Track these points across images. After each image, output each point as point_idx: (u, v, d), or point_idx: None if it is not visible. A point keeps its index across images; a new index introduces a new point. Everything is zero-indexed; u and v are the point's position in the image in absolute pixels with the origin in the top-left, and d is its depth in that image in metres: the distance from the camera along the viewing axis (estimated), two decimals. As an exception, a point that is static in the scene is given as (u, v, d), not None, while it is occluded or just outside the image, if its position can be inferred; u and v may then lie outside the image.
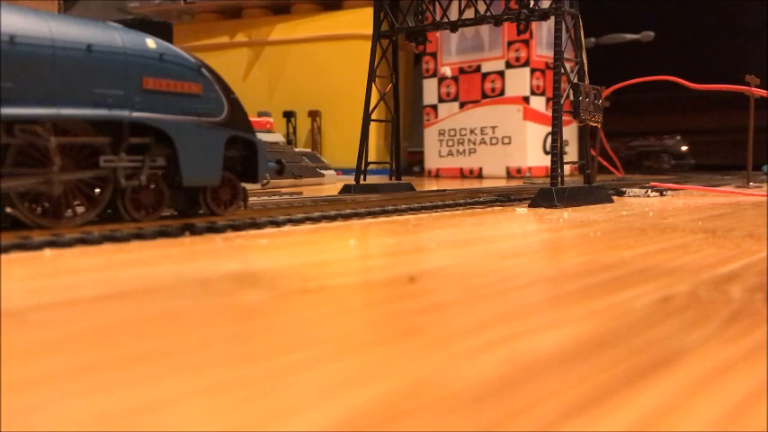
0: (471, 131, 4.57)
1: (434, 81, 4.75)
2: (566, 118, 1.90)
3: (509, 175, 4.39)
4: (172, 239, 1.03)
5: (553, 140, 1.85)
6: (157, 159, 1.14)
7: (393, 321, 0.54)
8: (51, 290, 0.66)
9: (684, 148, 4.72)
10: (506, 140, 4.40)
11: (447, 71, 4.68)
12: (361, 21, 4.79)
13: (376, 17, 2.36)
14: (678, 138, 4.87)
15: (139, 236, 1.01)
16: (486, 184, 3.33)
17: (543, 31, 4.37)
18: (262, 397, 0.36)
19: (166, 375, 0.40)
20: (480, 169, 4.53)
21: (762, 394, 0.37)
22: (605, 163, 3.92)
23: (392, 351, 0.45)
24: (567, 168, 1.96)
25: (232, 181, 1.27)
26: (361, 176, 2.30)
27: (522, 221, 1.38)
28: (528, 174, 4.32)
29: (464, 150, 4.60)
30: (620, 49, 5.32)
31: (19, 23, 0.97)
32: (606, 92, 2.46)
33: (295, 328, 0.52)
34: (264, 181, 1.32)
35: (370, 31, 2.38)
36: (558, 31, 1.88)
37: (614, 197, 2.05)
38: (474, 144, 4.56)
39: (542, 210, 1.64)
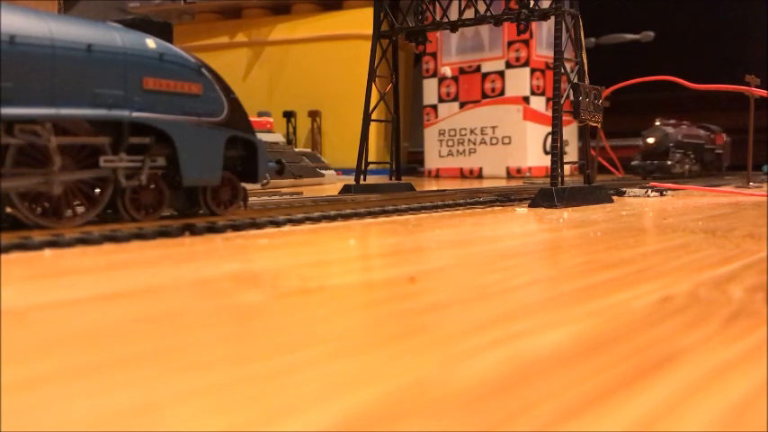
0: (471, 131, 4.57)
1: (434, 81, 4.75)
2: (566, 118, 1.90)
3: (509, 175, 4.39)
4: (172, 239, 1.03)
5: (553, 140, 1.85)
6: (157, 159, 1.14)
7: (393, 321, 0.54)
8: (51, 290, 0.66)
9: (699, 140, 3.59)
10: (506, 140, 4.41)
11: (447, 71, 4.68)
12: (361, 21, 4.79)
13: (376, 17, 2.36)
14: (705, 129, 3.79)
15: (139, 236, 1.01)
16: (486, 184, 3.33)
17: (543, 31, 4.37)
18: (262, 397, 0.36)
19: (166, 375, 0.40)
20: (480, 169, 4.53)
21: (762, 394, 0.37)
22: (605, 163, 3.92)
23: (392, 351, 0.45)
24: (566, 168, 1.96)
25: (232, 181, 1.27)
26: (361, 176, 2.30)
27: (522, 221, 1.38)
28: (528, 174, 4.33)
29: (464, 150, 4.60)
30: (620, 49, 5.33)
31: (19, 23, 0.97)
32: (606, 92, 2.46)
33: (295, 328, 0.52)
34: (264, 181, 1.32)
35: (370, 31, 2.38)
36: (558, 31, 1.88)
37: (614, 197, 2.05)
38: (474, 144, 4.56)
39: (542, 210, 1.64)
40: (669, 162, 3.35)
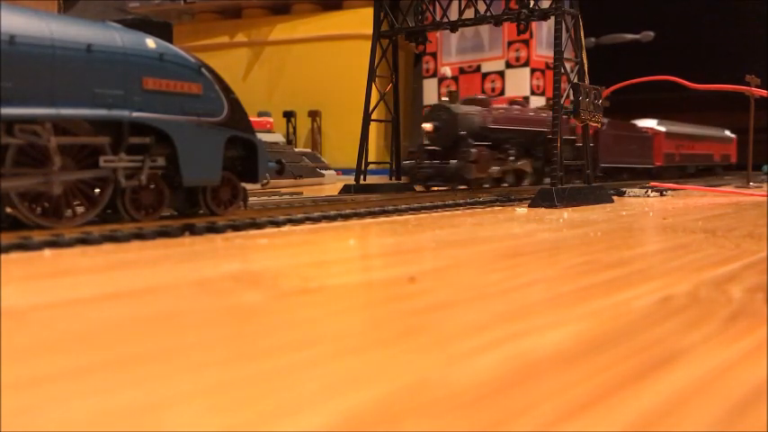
0: (471, 131, 4.57)
1: (434, 81, 4.75)
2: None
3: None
4: (172, 239, 1.03)
5: (553, 140, 1.85)
6: (157, 159, 1.14)
7: (393, 321, 0.54)
8: (51, 290, 0.66)
9: (530, 127, 2.37)
10: (506, 140, 4.41)
11: (447, 71, 4.68)
12: (361, 21, 4.79)
13: (376, 17, 2.36)
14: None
15: (139, 236, 1.01)
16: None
17: (543, 31, 4.37)
18: (262, 397, 0.36)
19: (166, 375, 0.40)
20: (480, 169, 4.53)
21: (762, 394, 0.37)
22: None
23: (392, 351, 0.45)
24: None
25: (232, 181, 1.27)
26: (361, 176, 2.30)
27: (522, 221, 1.38)
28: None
29: (464, 150, 4.60)
30: (620, 49, 5.33)
31: (19, 23, 0.97)
32: (606, 92, 2.46)
33: (295, 328, 0.52)
34: (264, 181, 1.32)
35: (370, 31, 2.38)
36: (557, 31, 1.88)
37: (614, 197, 2.05)
38: (474, 144, 4.56)
39: (542, 210, 1.64)
40: (457, 162, 2.07)
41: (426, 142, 2.26)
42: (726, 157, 5.00)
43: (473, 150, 2.12)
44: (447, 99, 2.31)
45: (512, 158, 2.36)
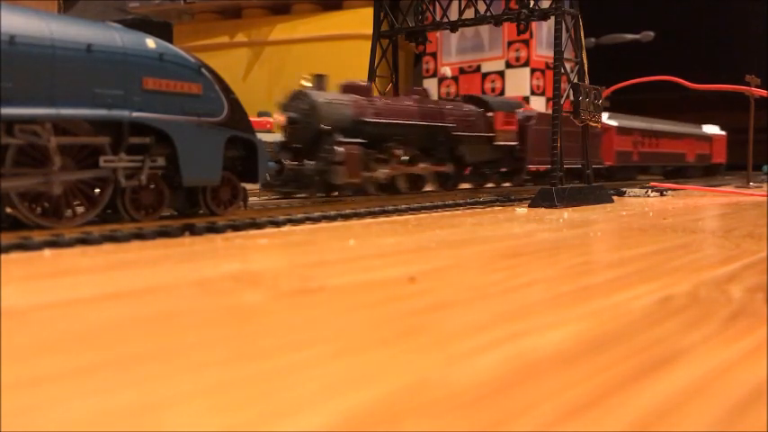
0: (471, 131, 4.56)
1: (434, 81, 4.75)
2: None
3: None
4: (172, 239, 1.03)
5: (553, 140, 1.85)
6: (157, 159, 1.14)
7: (393, 321, 0.54)
8: (51, 290, 0.66)
9: (427, 122, 2.06)
10: (506, 140, 4.40)
11: (447, 71, 4.68)
12: (361, 21, 4.78)
13: (376, 17, 2.36)
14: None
15: (139, 236, 1.01)
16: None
17: (543, 31, 4.37)
18: (262, 397, 0.36)
19: (166, 375, 0.40)
20: (480, 169, 4.52)
21: (762, 394, 0.37)
22: None
23: (392, 351, 0.45)
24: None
25: (232, 181, 1.27)
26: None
27: (522, 221, 1.38)
28: (528, 174, 4.31)
29: (464, 150, 4.60)
30: (620, 49, 5.33)
31: (19, 23, 0.97)
32: (606, 92, 2.46)
33: (295, 328, 0.52)
34: (264, 181, 1.32)
35: (370, 31, 2.38)
36: (557, 31, 1.88)
37: (614, 197, 2.05)
38: (474, 144, 4.55)
39: (542, 210, 1.65)
40: (316, 163, 1.71)
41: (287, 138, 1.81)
42: (703, 158, 4.45)
43: (340, 149, 1.70)
44: (309, 84, 1.81)
45: (403, 159, 1.96)
